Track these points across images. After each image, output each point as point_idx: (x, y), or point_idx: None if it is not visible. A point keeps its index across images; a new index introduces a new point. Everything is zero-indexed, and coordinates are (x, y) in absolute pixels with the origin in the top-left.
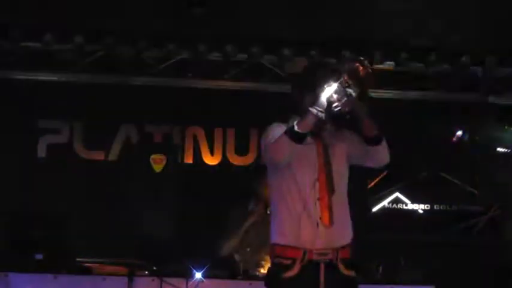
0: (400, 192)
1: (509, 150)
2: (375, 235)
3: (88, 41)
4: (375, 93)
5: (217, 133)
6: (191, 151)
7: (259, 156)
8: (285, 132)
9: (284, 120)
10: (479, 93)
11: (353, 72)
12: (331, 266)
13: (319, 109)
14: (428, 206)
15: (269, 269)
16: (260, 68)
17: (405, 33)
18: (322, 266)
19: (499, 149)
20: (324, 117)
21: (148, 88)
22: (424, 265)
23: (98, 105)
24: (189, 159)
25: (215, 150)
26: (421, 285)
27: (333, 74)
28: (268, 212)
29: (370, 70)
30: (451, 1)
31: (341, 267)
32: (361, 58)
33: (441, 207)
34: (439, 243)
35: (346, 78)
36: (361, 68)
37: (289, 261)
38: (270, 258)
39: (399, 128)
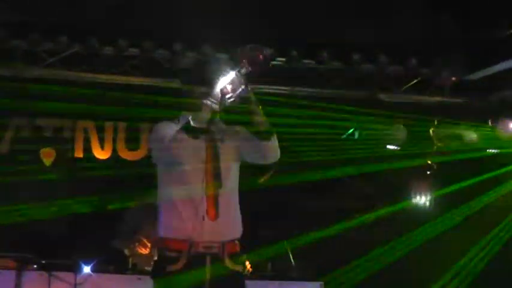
0: (290, 188)
1: (398, 148)
2: (264, 231)
3: None
4: (267, 89)
5: (108, 127)
6: (81, 145)
7: (150, 151)
8: (182, 129)
9: (175, 115)
10: (369, 91)
11: (253, 60)
12: (217, 259)
13: (213, 101)
14: (317, 202)
15: (155, 262)
16: (152, 63)
17: (296, 30)
18: (208, 259)
19: (389, 146)
20: (217, 109)
21: (40, 81)
22: (312, 261)
23: None
24: (79, 153)
25: (105, 145)
26: (310, 281)
27: (229, 64)
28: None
29: (269, 59)
30: None
31: (227, 261)
32: (261, 47)
33: (330, 203)
34: (326, 239)
35: (247, 65)
36: (261, 56)
37: (175, 254)
38: (157, 251)
39: (289, 123)
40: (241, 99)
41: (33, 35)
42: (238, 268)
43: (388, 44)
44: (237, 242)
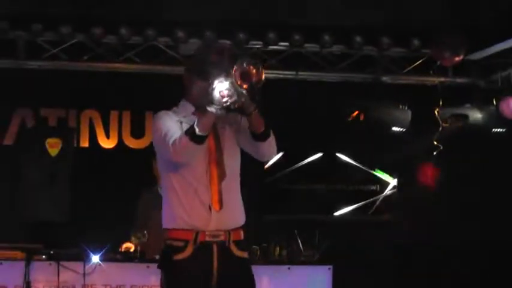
0: (296, 173)
1: (404, 130)
2: (272, 216)
3: None
4: (269, 74)
5: (113, 116)
6: (87, 134)
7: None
8: (186, 134)
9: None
10: (373, 74)
11: (245, 74)
12: (223, 247)
13: (218, 107)
14: (324, 186)
15: (161, 251)
16: (155, 51)
17: (298, 14)
18: (215, 247)
19: (394, 129)
20: (222, 114)
21: (44, 72)
22: (321, 245)
23: None
24: (84, 143)
25: (111, 134)
26: (319, 264)
27: (223, 68)
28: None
29: (262, 72)
30: None
31: (233, 248)
32: (255, 60)
33: (337, 187)
34: (335, 222)
35: (238, 80)
36: (254, 70)
37: (181, 243)
38: (163, 241)
39: (295, 108)
40: (237, 104)
41: (35, 26)
42: (245, 254)
43: (390, 26)
44: (241, 229)
